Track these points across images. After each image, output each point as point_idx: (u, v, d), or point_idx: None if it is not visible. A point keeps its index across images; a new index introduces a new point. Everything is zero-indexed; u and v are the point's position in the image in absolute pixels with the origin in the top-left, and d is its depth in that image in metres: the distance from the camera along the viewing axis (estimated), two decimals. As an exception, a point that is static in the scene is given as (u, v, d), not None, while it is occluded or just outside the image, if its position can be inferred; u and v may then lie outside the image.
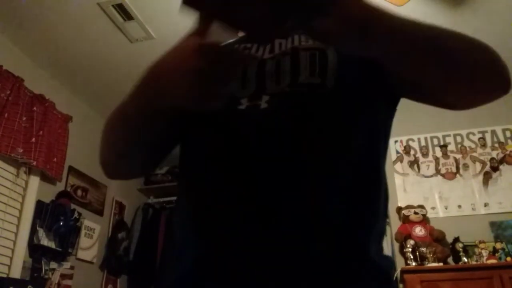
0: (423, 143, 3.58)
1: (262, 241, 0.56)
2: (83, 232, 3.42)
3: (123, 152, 0.73)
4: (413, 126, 3.62)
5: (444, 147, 3.52)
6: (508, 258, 2.90)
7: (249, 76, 0.69)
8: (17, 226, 2.92)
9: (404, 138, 3.62)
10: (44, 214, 3.05)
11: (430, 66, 0.58)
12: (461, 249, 3.00)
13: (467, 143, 3.50)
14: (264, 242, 0.56)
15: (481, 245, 2.99)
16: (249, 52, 0.71)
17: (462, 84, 0.61)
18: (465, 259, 2.95)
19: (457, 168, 3.45)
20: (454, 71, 0.59)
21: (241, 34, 0.66)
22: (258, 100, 0.65)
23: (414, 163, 3.53)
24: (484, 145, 3.46)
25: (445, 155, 3.50)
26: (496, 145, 3.44)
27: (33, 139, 2.94)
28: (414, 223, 3.20)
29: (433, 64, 0.58)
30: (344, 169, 0.61)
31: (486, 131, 3.49)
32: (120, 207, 3.96)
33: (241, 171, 0.61)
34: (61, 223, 3.06)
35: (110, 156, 0.75)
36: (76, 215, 3.28)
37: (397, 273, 3.10)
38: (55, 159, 3.13)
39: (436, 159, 3.51)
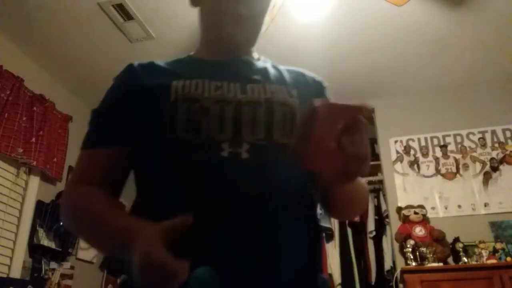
0: (423, 143, 3.58)
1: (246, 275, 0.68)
2: (83, 232, 3.41)
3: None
4: (413, 126, 3.62)
5: (444, 147, 3.52)
6: (508, 258, 2.90)
7: (227, 119, 0.77)
8: (17, 226, 2.92)
9: (404, 138, 3.62)
10: (44, 214, 3.05)
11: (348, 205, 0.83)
12: (461, 249, 3.00)
13: (467, 143, 3.50)
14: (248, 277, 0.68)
15: (481, 245, 2.98)
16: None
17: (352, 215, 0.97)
18: (465, 259, 2.95)
19: (457, 168, 3.44)
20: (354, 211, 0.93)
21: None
22: (239, 147, 0.74)
23: (414, 163, 3.52)
24: (484, 145, 3.45)
25: (445, 155, 3.50)
26: (496, 145, 3.43)
27: (33, 139, 2.94)
28: (414, 223, 3.20)
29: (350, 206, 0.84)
30: (305, 216, 0.79)
31: (486, 131, 3.49)
32: (120, 207, 3.95)
33: (225, 214, 0.70)
34: (61, 223, 3.06)
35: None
36: (76, 215, 3.28)
37: (397, 273, 3.10)
38: (55, 159, 3.13)
39: (436, 159, 3.50)
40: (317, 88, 0.93)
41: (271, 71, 0.92)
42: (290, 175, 0.75)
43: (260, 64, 0.94)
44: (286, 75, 0.92)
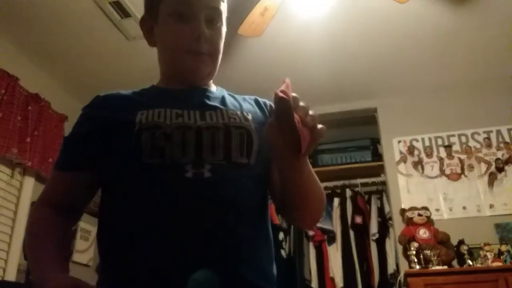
0: (427, 143, 3.53)
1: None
2: (78, 234, 3.38)
3: None
4: (417, 126, 3.57)
5: (448, 147, 3.47)
6: (513, 261, 2.86)
7: (188, 143, 0.85)
8: (12, 228, 2.88)
9: (408, 138, 3.57)
10: (39, 215, 2.99)
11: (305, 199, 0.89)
12: (466, 252, 2.96)
13: (472, 143, 3.45)
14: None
15: (486, 248, 2.94)
16: None
17: (313, 216, 0.97)
18: (470, 262, 2.92)
19: (462, 168, 3.40)
20: (312, 210, 0.94)
21: None
22: (201, 168, 0.83)
23: (418, 164, 3.47)
24: (489, 145, 3.41)
25: (450, 155, 3.45)
26: (502, 145, 3.39)
27: (28, 139, 2.90)
28: (418, 225, 3.15)
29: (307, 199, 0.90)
30: (261, 225, 0.90)
31: (491, 131, 3.44)
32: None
33: (193, 227, 0.79)
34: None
35: None
36: (72, 217, 3.23)
37: (401, 276, 3.05)
38: (50, 160, 3.08)
39: (441, 160, 3.45)
40: (269, 110, 1.03)
41: (228, 98, 1.01)
42: (247, 190, 0.87)
43: (217, 93, 1.02)
44: (241, 101, 1.02)
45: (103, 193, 0.92)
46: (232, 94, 1.05)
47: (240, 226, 0.83)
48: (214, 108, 0.94)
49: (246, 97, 1.05)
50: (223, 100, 0.99)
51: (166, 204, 0.81)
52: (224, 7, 0.99)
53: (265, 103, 1.05)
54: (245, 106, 1.00)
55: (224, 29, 1.00)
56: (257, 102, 1.04)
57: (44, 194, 0.97)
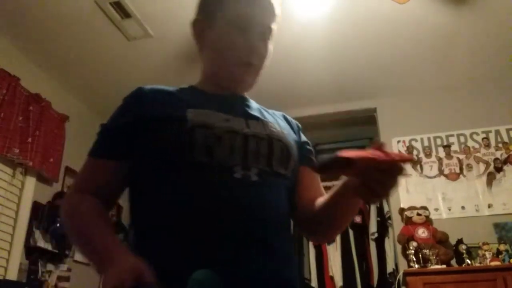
0: (426, 143, 3.54)
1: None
2: (80, 233, 3.37)
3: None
4: (416, 126, 3.58)
5: (447, 147, 3.48)
6: (512, 260, 2.87)
7: (236, 147, 0.89)
8: (13, 228, 2.89)
9: (407, 138, 3.58)
10: (41, 215, 3.01)
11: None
12: (464, 251, 2.96)
13: (470, 143, 3.46)
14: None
15: (485, 247, 2.95)
16: None
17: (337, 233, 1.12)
18: (468, 261, 2.92)
19: (461, 168, 3.41)
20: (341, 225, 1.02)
21: None
22: (248, 171, 0.88)
23: (417, 164, 3.48)
24: (488, 145, 3.42)
25: (449, 155, 3.46)
26: (500, 145, 3.39)
27: (29, 139, 2.91)
28: (417, 224, 3.16)
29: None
30: (289, 231, 0.98)
31: (490, 131, 3.45)
32: (118, 208, 3.91)
33: (237, 224, 0.82)
34: (58, 225, 3.02)
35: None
36: (73, 216, 3.24)
37: (400, 275, 3.06)
38: (51, 160, 3.10)
39: (439, 160, 3.46)
40: (297, 129, 1.11)
41: (263, 110, 1.07)
42: (283, 198, 0.94)
43: (254, 104, 1.07)
44: (274, 116, 1.08)
45: (136, 187, 0.92)
46: (264, 108, 1.10)
47: (278, 230, 0.89)
48: (256, 118, 0.99)
49: (276, 112, 1.11)
50: (261, 112, 1.04)
51: (213, 200, 0.83)
52: (275, 26, 1.03)
53: (292, 122, 1.12)
54: (279, 121, 1.06)
55: (272, 47, 1.04)
56: (286, 119, 1.11)
57: (82, 181, 0.96)
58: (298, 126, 1.12)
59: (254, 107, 1.05)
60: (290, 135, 1.02)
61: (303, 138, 1.10)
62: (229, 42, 0.98)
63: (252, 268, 0.81)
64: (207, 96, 1.00)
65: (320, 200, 0.96)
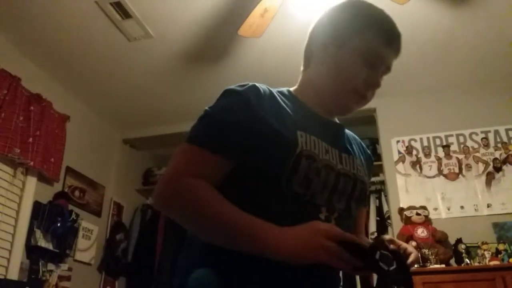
0: (425, 143, 3.55)
1: None
2: (80, 233, 3.39)
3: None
4: (415, 126, 3.59)
5: (446, 147, 3.49)
6: (511, 260, 2.87)
7: (328, 185, 0.89)
8: (14, 227, 2.90)
9: (406, 138, 3.58)
10: (42, 215, 3.02)
11: None
12: (463, 251, 2.97)
13: (470, 143, 3.47)
14: None
15: (484, 247, 2.95)
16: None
17: None
18: (467, 261, 2.92)
19: (460, 168, 3.42)
20: None
21: None
22: (332, 213, 0.89)
23: (416, 164, 3.49)
24: (487, 145, 3.43)
25: (448, 155, 3.47)
26: (499, 145, 3.40)
27: (30, 139, 2.91)
28: (416, 224, 3.17)
29: None
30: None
31: (489, 131, 3.46)
32: (118, 208, 3.92)
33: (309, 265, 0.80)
34: (59, 224, 3.03)
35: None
36: (73, 216, 3.25)
37: (399, 275, 3.06)
38: (52, 159, 3.10)
39: (439, 160, 3.47)
40: (370, 165, 1.12)
41: (351, 140, 1.07)
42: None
43: (342, 129, 1.06)
44: (353, 145, 1.07)
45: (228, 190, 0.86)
46: (349, 133, 1.10)
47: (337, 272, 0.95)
48: (347, 151, 0.99)
49: (356, 139, 1.12)
50: (350, 143, 1.05)
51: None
52: None
53: (367, 153, 1.13)
54: (361, 156, 1.06)
55: None
56: (363, 150, 1.11)
57: (185, 167, 0.86)
58: (371, 160, 1.14)
59: (345, 136, 1.05)
60: (366, 174, 1.03)
61: (370, 176, 1.12)
62: (354, 71, 0.96)
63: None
64: (314, 118, 0.98)
65: None
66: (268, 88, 0.95)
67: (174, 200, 0.83)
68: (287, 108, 0.94)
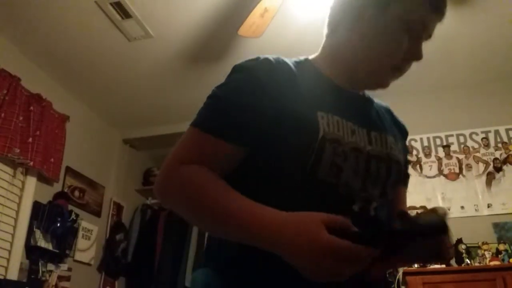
0: (425, 143, 3.55)
1: None
2: (80, 233, 3.39)
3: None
4: (415, 126, 3.58)
5: (447, 147, 3.49)
6: (511, 260, 2.87)
7: (359, 170, 0.79)
8: (14, 227, 2.90)
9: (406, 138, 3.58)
10: (41, 215, 3.01)
11: None
12: (464, 251, 2.97)
13: (470, 143, 3.47)
14: None
15: (484, 247, 2.95)
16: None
17: None
18: (468, 261, 2.92)
19: (460, 168, 3.42)
20: None
21: None
22: (369, 204, 0.79)
23: (416, 164, 3.49)
24: (487, 145, 3.42)
25: (448, 155, 3.47)
26: (500, 145, 3.40)
27: (30, 139, 2.91)
28: (417, 224, 3.16)
29: None
30: None
31: (489, 131, 3.46)
32: (118, 208, 3.92)
33: None
34: (58, 224, 3.03)
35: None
36: (73, 216, 3.25)
37: (399, 275, 3.06)
38: (52, 160, 3.10)
39: (439, 160, 3.47)
40: (404, 136, 1.01)
41: (381, 114, 0.95)
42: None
43: (370, 103, 0.95)
44: (383, 116, 0.95)
45: (234, 184, 0.75)
46: (378, 103, 0.99)
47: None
48: (377, 129, 0.87)
49: (383, 105, 1.01)
50: (379, 117, 0.93)
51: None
52: None
53: (401, 125, 1.03)
54: (390, 128, 0.94)
55: None
56: (395, 121, 1.01)
57: (186, 153, 0.78)
58: (406, 132, 1.02)
59: (373, 109, 0.94)
60: (401, 151, 0.92)
61: (407, 151, 1.01)
62: (395, 44, 0.85)
63: None
64: (337, 93, 0.86)
65: None
66: (283, 60, 0.84)
67: (168, 191, 0.77)
68: (305, 83, 0.83)
